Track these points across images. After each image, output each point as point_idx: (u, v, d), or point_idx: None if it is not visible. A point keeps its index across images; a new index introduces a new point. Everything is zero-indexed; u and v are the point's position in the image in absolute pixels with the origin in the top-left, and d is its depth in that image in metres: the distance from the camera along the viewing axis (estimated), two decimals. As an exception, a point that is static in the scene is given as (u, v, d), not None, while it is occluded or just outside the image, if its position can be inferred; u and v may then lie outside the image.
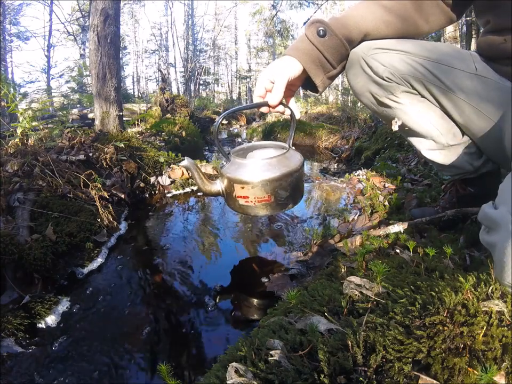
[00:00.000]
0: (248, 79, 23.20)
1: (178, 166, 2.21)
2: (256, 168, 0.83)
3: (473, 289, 0.56)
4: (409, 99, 0.92)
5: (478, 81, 0.84)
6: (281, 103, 0.83)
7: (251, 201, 0.84)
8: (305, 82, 0.90)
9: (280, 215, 1.60)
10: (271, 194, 0.83)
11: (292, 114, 0.88)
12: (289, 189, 0.84)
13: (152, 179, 2.10)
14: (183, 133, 3.71)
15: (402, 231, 1.03)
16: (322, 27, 0.81)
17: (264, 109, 0.84)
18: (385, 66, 0.87)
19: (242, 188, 0.83)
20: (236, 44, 24.05)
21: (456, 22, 0.93)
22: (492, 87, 0.84)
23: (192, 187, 2.12)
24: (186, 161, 0.90)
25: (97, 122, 2.60)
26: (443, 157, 0.99)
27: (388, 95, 0.92)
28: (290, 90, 0.87)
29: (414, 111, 0.93)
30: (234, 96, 22.80)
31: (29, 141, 1.83)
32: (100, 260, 1.27)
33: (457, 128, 0.94)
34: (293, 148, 0.94)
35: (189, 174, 2.12)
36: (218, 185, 0.91)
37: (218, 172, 1.08)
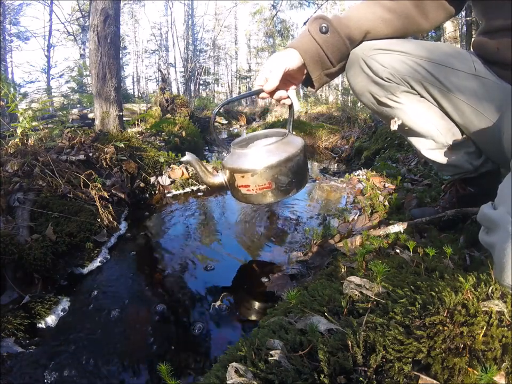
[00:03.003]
0: (248, 79, 23.20)
1: (178, 166, 2.21)
2: (255, 156, 0.84)
3: (473, 289, 0.56)
4: (409, 99, 0.92)
5: (477, 82, 0.84)
6: (277, 90, 0.84)
7: (252, 190, 0.85)
8: (305, 79, 0.90)
9: (280, 215, 1.60)
10: (271, 180, 0.83)
11: (290, 99, 0.89)
12: (290, 174, 0.85)
13: (152, 179, 2.10)
14: (183, 133, 3.71)
15: (402, 231, 1.03)
16: (325, 24, 0.81)
17: (263, 95, 0.85)
18: (384, 67, 0.87)
19: (243, 176, 0.84)
20: (236, 43, 24.05)
21: (456, 15, 0.94)
22: (490, 87, 0.84)
23: (192, 187, 2.12)
24: (188, 156, 0.92)
25: (97, 122, 2.60)
26: (443, 157, 0.99)
27: (388, 95, 0.92)
28: (290, 82, 0.89)
29: (414, 111, 0.93)
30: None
31: (29, 141, 1.83)
32: (100, 260, 1.27)
33: (456, 128, 0.94)
34: (293, 133, 0.94)
35: (188, 170, 2.12)
36: (221, 177, 0.92)
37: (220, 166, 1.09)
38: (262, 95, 0.85)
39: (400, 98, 0.91)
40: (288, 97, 0.88)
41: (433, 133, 0.95)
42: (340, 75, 0.98)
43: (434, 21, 0.91)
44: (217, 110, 0.85)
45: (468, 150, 0.96)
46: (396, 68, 0.87)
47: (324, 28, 0.81)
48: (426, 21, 0.90)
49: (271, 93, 0.85)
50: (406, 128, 0.97)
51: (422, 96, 0.91)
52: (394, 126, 0.94)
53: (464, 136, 0.95)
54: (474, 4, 0.89)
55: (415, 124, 0.95)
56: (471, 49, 0.93)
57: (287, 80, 0.87)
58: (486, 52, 0.86)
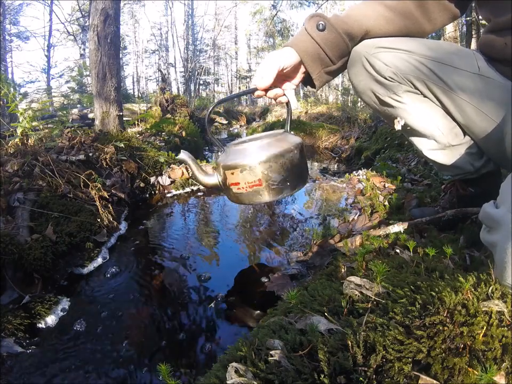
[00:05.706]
0: (248, 79, 23.19)
1: (178, 166, 2.21)
2: (245, 152, 0.81)
3: (473, 289, 0.56)
4: (412, 99, 0.91)
5: (480, 81, 0.84)
6: (272, 88, 0.83)
7: (243, 188, 0.81)
8: (305, 78, 0.90)
9: (280, 215, 1.60)
10: (261, 178, 0.79)
11: (287, 96, 0.87)
12: (281, 171, 0.81)
13: (152, 179, 2.10)
14: (183, 133, 3.71)
15: (402, 231, 1.03)
16: (322, 21, 0.80)
17: (258, 93, 0.83)
18: (387, 66, 0.86)
19: (232, 173, 0.81)
20: (236, 43, 24.04)
21: (460, 17, 0.93)
22: (494, 87, 0.83)
23: (192, 187, 2.12)
24: (183, 154, 0.90)
25: (97, 122, 2.61)
26: (444, 157, 0.98)
27: (390, 95, 0.91)
28: (286, 81, 0.88)
29: (416, 110, 0.92)
30: (234, 96, 22.77)
31: (29, 141, 1.83)
32: (99, 260, 1.27)
33: (459, 128, 0.94)
34: (292, 132, 0.93)
35: (188, 170, 2.12)
36: (215, 177, 0.89)
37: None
38: (257, 93, 0.83)
39: (402, 98, 0.91)
40: (284, 94, 0.86)
41: (435, 133, 0.94)
42: (340, 75, 0.97)
43: (438, 22, 0.90)
44: (212, 108, 0.84)
45: (470, 151, 0.95)
46: (399, 66, 0.86)
47: (321, 25, 0.80)
48: (429, 22, 0.89)
49: (266, 91, 0.83)
50: (408, 128, 0.96)
51: (424, 96, 0.91)
52: (397, 126, 0.94)
53: (466, 136, 0.94)
54: (481, 4, 0.89)
55: (417, 124, 0.94)
56: (477, 48, 0.92)
57: (284, 80, 0.86)
58: (494, 49, 0.84)
